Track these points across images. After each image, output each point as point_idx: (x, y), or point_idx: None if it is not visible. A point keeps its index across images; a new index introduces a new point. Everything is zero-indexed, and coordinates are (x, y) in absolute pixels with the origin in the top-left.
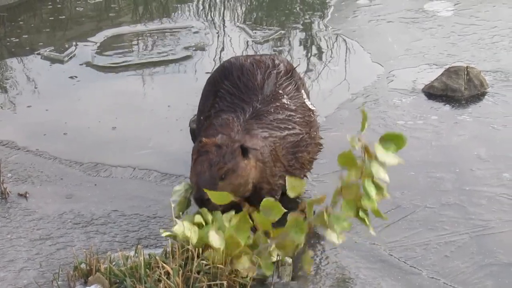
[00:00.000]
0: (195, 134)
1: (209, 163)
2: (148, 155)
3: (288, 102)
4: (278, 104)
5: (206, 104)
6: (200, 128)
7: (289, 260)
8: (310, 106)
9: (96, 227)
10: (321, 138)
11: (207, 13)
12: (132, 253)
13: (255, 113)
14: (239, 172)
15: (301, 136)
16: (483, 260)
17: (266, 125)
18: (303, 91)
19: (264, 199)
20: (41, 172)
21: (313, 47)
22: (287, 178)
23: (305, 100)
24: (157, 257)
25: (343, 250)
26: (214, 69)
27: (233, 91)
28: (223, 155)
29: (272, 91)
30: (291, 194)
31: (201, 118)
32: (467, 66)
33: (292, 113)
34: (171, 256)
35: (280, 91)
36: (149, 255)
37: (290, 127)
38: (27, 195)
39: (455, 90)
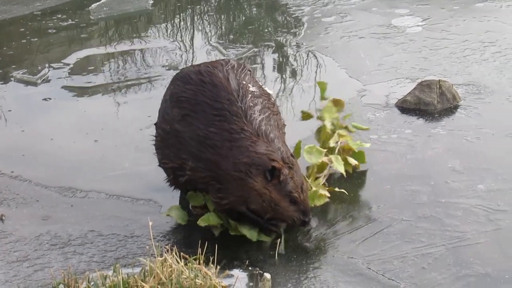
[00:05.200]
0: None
1: (300, 188)
2: (123, 176)
3: (254, 89)
4: (250, 95)
5: (168, 111)
6: (166, 138)
7: (268, 276)
8: (268, 91)
9: (74, 247)
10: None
11: (179, 33)
12: (110, 272)
13: (245, 115)
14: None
15: (275, 117)
16: (460, 271)
17: (264, 122)
18: (256, 79)
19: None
20: (16, 194)
21: (287, 64)
22: None
23: (262, 86)
24: (135, 276)
25: (321, 264)
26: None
27: (202, 93)
28: (299, 174)
29: (238, 84)
30: None
31: (167, 127)
32: (439, 80)
33: (261, 100)
34: (149, 275)
35: (244, 82)
36: (128, 274)
37: (268, 113)
38: (3, 218)
39: (428, 103)
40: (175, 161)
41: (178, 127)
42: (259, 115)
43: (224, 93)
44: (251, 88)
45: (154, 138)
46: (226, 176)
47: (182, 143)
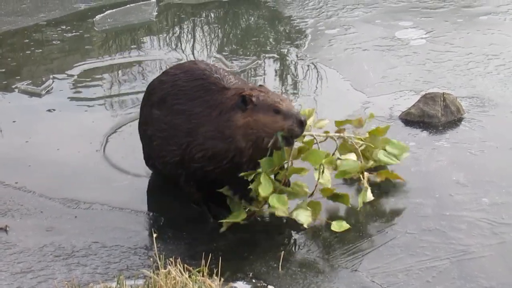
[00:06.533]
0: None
1: (279, 98)
2: (127, 187)
3: (223, 67)
4: (221, 69)
5: (155, 117)
6: (163, 136)
7: None
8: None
9: (77, 259)
10: None
11: (183, 44)
12: (114, 284)
13: (223, 80)
14: None
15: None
16: (464, 285)
17: (241, 84)
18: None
19: None
20: (21, 205)
21: (290, 76)
22: None
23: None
24: None
25: (325, 277)
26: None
27: (177, 82)
28: (272, 93)
29: (206, 64)
30: None
31: (162, 126)
32: (443, 93)
33: (233, 73)
34: (153, 287)
35: (216, 64)
36: (131, 286)
37: (242, 81)
38: (7, 229)
39: (432, 116)
40: (179, 152)
41: (170, 118)
42: (237, 81)
43: (198, 71)
44: (220, 66)
45: (154, 147)
46: (212, 135)
47: (178, 129)
